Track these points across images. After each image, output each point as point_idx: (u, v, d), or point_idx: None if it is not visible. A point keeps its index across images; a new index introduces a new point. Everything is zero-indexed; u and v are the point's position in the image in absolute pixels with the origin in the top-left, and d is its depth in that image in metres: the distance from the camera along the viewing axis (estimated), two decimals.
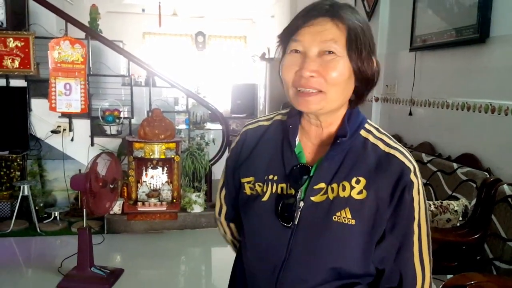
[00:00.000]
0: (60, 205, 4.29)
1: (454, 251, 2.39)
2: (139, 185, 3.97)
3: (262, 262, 0.94)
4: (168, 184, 3.95)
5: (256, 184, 0.96)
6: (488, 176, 2.44)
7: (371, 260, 0.90)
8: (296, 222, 0.89)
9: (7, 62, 3.77)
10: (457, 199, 2.57)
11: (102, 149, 3.95)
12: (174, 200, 3.88)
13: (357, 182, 0.87)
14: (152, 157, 3.84)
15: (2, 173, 4.09)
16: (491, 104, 2.53)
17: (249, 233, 0.98)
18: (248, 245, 0.99)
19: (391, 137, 0.94)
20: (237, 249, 1.13)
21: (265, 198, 0.93)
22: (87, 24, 4.31)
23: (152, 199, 3.86)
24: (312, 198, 0.89)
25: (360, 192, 0.87)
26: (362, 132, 0.92)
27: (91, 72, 3.97)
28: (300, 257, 0.89)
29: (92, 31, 4.01)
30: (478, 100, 2.65)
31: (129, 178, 3.90)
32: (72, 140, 4.01)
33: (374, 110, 3.97)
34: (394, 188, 0.87)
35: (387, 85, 3.86)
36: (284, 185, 0.92)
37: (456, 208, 2.44)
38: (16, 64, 3.78)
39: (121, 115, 4.10)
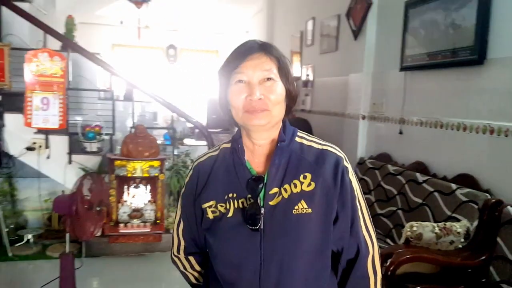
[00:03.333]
0: (31, 226, 4.02)
1: (458, 274, 2.36)
2: (119, 205, 3.77)
3: (241, 272, 1.04)
4: (151, 204, 3.77)
5: (218, 206, 1.08)
6: (489, 197, 2.44)
7: (331, 242, 1.07)
8: (262, 227, 1.03)
9: None
10: (457, 220, 2.55)
11: (80, 167, 3.75)
12: (158, 221, 3.71)
13: (304, 177, 1.06)
14: (134, 175, 3.66)
15: None
16: (489, 125, 2.54)
17: (221, 251, 1.08)
18: (221, 264, 1.08)
19: (320, 139, 1.16)
20: (203, 278, 1.24)
21: (230, 214, 1.06)
22: None
23: (135, 220, 3.67)
24: (270, 203, 1.05)
25: (309, 185, 1.05)
26: (297, 139, 1.13)
27: (70, 86, 3.76)
28: (273, 255, 1.02)
29: (74, 44, 3.82)
30: (475, 121, 2.66)
31: (110, 198, 3.70)
32: (48, 157, 3.77)
33: (361, 128, 3.96)
34: (335, 174, 1.07)
35: (374, 103, 3.86)
36: (243, 199, 1.06)
37: (459, 230, 2.42)
38: None
39: (102, 131, 3.90)
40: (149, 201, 3.78)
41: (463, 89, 2.78)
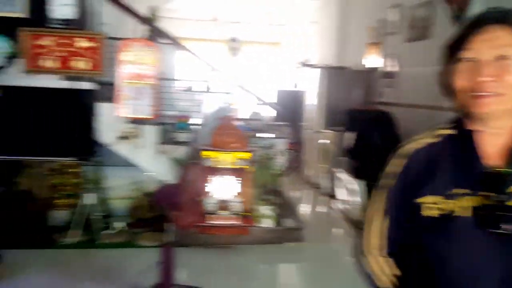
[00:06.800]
0: (119, 214, 4.08)
1: None
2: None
3: (477, 285, 0.88)
4: (239, 196, 3.71)
5: (443, 202, 0.91)
6: None
7: None
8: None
9: (75, 63, 3.57)
10: None
11: (169, 157, 3.75)
12: (247, 213, 3.64)
13: None
14: (223, 166, 3.61)
15: (62, 180, 3.88)
16: None
17: (450, 256, 0.91)
18: (452, 270, 0.91)
19: None
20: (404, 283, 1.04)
21: (460, 214, 0.89)
22: None
23: (223, 212, 3.62)
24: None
25: None
26: None
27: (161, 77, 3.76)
28: None
29: (169, 35, 3.80)
30: None
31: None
32: (139, 146, 3.78)
33: None
34: None
35: None
36: (477, 197, 0.89)
37: None
38: (85, 65, 3.57)
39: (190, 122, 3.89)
40: (237, 193, 3.72)
41: None
